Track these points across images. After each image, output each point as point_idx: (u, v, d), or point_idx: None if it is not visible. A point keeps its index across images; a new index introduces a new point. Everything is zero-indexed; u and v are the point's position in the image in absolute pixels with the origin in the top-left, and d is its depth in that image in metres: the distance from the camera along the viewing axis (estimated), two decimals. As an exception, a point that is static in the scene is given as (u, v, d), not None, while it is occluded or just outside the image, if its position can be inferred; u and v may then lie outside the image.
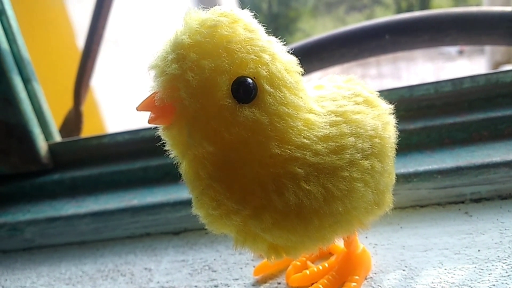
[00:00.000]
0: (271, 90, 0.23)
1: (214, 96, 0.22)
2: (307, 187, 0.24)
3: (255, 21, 0.25)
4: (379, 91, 0.37)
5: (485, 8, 0.60)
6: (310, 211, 0.24)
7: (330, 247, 0.35)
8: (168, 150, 0.26)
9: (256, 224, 0.25)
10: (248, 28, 0.24)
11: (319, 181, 0.24)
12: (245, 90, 0.23)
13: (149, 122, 0.24)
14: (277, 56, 0.24)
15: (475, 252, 0.32)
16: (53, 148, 0.54)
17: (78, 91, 0.60)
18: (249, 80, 0.23)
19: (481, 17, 0.59)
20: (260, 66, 0.23)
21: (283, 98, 0.24)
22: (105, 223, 0.46)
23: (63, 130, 0.64)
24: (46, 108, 0.54)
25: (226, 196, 0.24)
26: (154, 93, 0.23)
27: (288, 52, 0.26)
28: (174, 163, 0.26)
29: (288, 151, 0.24)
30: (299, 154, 0.24)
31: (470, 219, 0.36)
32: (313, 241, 0.26)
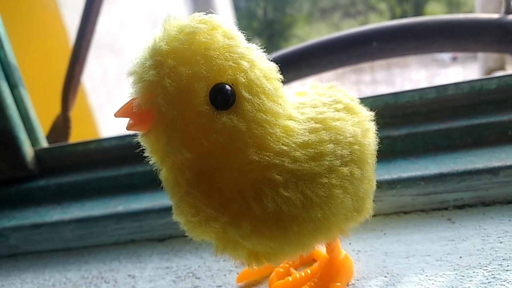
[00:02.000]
0: (249, 97, 0.23)
1: (191, 103, 0.22)
2: (286, 194, 0.24)
3: (235, 28, 0.25)
4: (364, 98, 0.38)
5: (472, 15, 0.60)
6: (289, 218, 0.24)
7: (313, 254, 0.35)
8: (147, 156, 0.26)
9: (235, 231, 0.25)
10: (227, 35, 0.24)
11: (298, 188, 0.24)
12: (223, 97, 0.23)
13: (127, 128, 0.24)
14: (256, 63, 0.24)
15: (457, 258, 0.32)
16: (39, 154, 0.53)
17: (66, 96, 0.59)
18: (227, 87, 0.23)
19: (468, 24, 0.59)
20: (238, 73, 0.23)
21: (262, 105, 0.24)
22: (90, 230, 0.46)
23: (51, 136, 0.64)
24: (33, 113, 0.54)
25: (204, 202, 0.24)
26: (132, 99, 0.23)
27: (270, 59, 0.26)
28: (155, 169, 0.26)
29: (267, 157, 0.24)
30: (277, 161, 0.24)
31: (453, 226, 0.36)
32: (292, 247, 0.26)
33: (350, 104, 0.29)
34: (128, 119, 0.24)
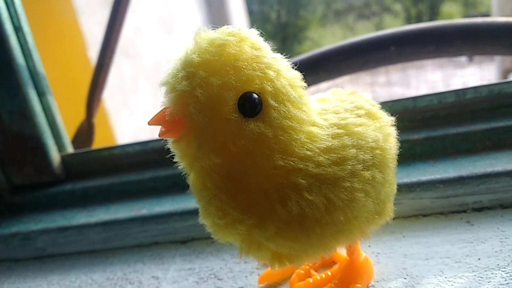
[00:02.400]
0: (276, 104, 0.25)
1: (221, 111, 0.24)
2: (310, 197, 0.25)
3: (261, 39, 0.26)
4: (383, 102, 0.38)
5: (489, 19, 0.61)
6: (312, 221, 0.25)
7: (333, 256, 0.36)
8: (176, 162, 0.27)
9: (260, 233, 0.26)
10: (254, 46, 0.25)
11: (321, 192, 0.25)
12: (251, 105, 0.24)
13: (159, 135, 0.25)
14: (281, 72, 0.25)
15: (475, 260, 0.33)
16: (66, 159, 0.55)
17: (91, 103, 0.61)
18: (255, 96, 0.24)
19: (486, 28, 0.59)
20: (265, 82, 0.24)
21: (287, 112, 0.25)
22: (115, 232, 0.47)
23: (75, 142, 0.66)
24: (59, 120, 0.56)
25: (231, 206, 0.26)
26: (164, 108, 0.25)
27: (293, 66, 0.27)
28: (182, 173, 0.28)
29: (292, 162, 0.25)
30: (302, 166, 0.25)
31: (472, 228, 0.37)
32: (315, 249, 0.27)
33: (371, 110, 0.30)
34: (160, 126, 0.25)
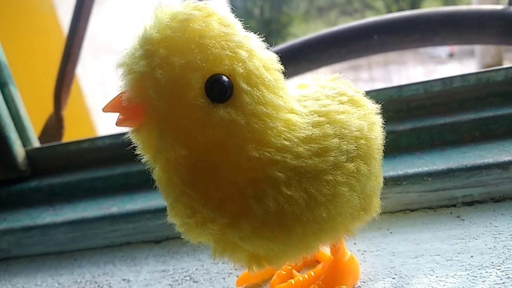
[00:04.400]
0: (248, 88, 0.22)
1: (185, 95, 0.21)
2: (288, 192, 0.22)
3: (232, 15, 0.23)
4: (368, 92, 0.36)
5: (475, 6, 0.59)
6: (292, 218, 0.23)
7: (316, 255, 0.34)
8: (139, 154, 0.24)
9: (234, 233, 0.23)
10: (223, 22, 0.22)
11: (301, 186, 0.23)
12: (220, 89, 0.21)
13: (116, 124, 0.22)
14: (254, 52, 0.22)
15: (468, 258, 0.31)
16: (31, 154, 0.52)
17: (58, 95, 0.58)
18: (224, 78, 0.21)
19: (471, 15, 0.58)
20: (236, 63, 0.21)
21: (261, 97, 0.22)
22: (83, 232, 0.44)
23: (43, 136, 0.62)
24: (23, 112, 0.52)
25: (201, 203, 0.23)
26: (121, 92, 0.22)
27: (271, 51, 0.24)
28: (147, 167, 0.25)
29: (267, 154, 0.22)
30: (279, 157, 0.22)
31: (463, 223, 0.35)
32: (296, 249, 0.25)
33: (355, 97, 0.27)
34: (118, 114, 0.22)
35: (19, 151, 0.51)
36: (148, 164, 0.24)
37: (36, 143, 0.53)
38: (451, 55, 4.58)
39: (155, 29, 0.21)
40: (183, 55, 0.21)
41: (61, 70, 0.56)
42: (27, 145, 0.52)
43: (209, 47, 0.21)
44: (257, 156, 0.22)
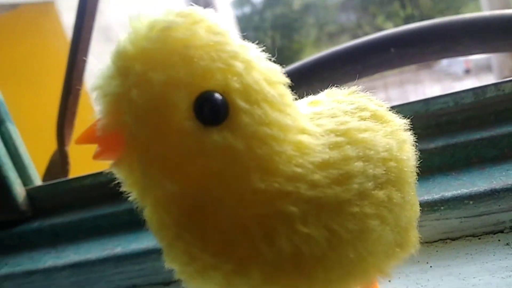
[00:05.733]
0: (247, 106, 0.18)
1: (169, 119, 0.17)
2: (305, 230, 0.18)
3: (224, 21, 0.19)
4: (390, 108, 0.32)
5: (499, 11, 0.55)
6: (312, 261, 0.19)
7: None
8: (125, 191, 0.20)
9: (243, 282, 0.19)
10: (212, 30, 0.18)
11: (320, 222, 0.18)
12: (212, 109, 0.17)
13: (93, 158, 0.18)
14: (253, 63, 0.19)
15: (527, 295, 0.26)
16: (32, 194, 0.49)
17: (61, 130, 0.55)
18: (217, 95, 0.17)
19: (495, 21, 0.53)
20: (230, 76, 0.18)
21: (264, 116, 0.18)
22: (87, 275, 0.40)
23: (48, 174, 0.60)
24: (23, 150, 0.49)
25: (199, 247, 0.19)
26: (96, 120, 0.18)
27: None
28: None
29: (276, 184, 0.18)
30: (291, 188, 0.18)
31: (514, 252, 0.30)
32: (319, 299, 0.20)
33: (378, 111, 0.23)
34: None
35: (19, 191, 0.48)
36: (136, 203, 0.21)
37: (38, 182, 0.50)
38: (467, 71, 4.52)
39: (130, 41, 0.17)
40: (163, 71, 0.17)
41: (62, 105, 0.53)
42: (28, 184, 0.49)
43: (196, 60, 0.17)
44: (264, 187, 0.18)
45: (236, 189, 0.18)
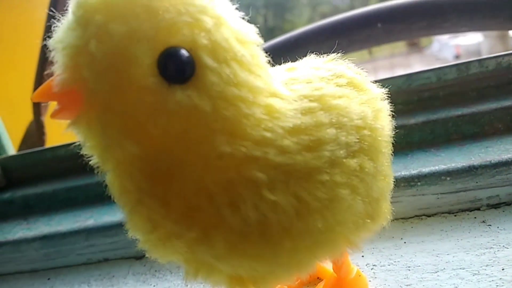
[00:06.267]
0: (215, 65, 0.17)
1: (130, 74, 0.16)
2: (272, 198, 0.17)
3: None
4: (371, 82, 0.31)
5: (488, -11, 0.54)
6: (279, 230, 0.18)
7: (317, 271, 0.28)
8: (84, 154, 0.19)
9: (206, 250, 0.18)
10: None
11: (288, 189, 0.18)
12: (177, 65, 0.16)
13: (51, 116, 0.17)
14: (223, 20, 0.18)
15: (499, 271, 0.26)
16: (5, 163, 0.47)
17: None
18: (183, 52, 0.16)
19: (484, -1, 0.53)
20: (198, 32, 0.17)
21: (233, 76, 0.17)
22: (57, 248, 0.39)
23: (25, 145, 0.58)
24: (-4, 118, 0.48)
25: (162, 214, 0.18)
26: (54, 75, 0.17)
27: (268, 50, 0.20)
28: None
29: (243, 148, 0.17)
30: (258, 153, 0.17)
31: (489, 229, 0.30)
32: (285, 268, 0.20)
33: (355, 79, 0.22)
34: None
35: (-9, 160, 0.47)
36: (98, 168, 0.20)
37: (11, 151, 0.49)
38: (457, 57, 4.54)
39: None
40: (125, 22, 0.16)
41: (39, 74, 0.52)
42: (1, 154, 0.48)
43: (161, 12, 0.16)
44: (230, 151, 0.17)
45: (200, 152, 0.17)
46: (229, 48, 0.17)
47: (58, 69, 0.17)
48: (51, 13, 0.48)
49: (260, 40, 0.19)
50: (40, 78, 0.52)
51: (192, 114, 0.17)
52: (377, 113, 0.21)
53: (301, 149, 0.18)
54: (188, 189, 0.18)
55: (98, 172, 0.33)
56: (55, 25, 0.18)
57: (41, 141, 0.57)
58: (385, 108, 0.23)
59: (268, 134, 0.18)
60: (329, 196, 0.18)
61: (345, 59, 0.24)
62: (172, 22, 0.16)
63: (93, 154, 0.19)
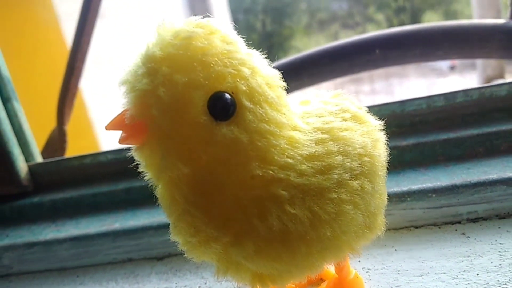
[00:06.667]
0: (251, 106, 0.22)
1: (188, 113, 0.21)
2: (292, 211, 0.22)
3: (234, 32, 0.23)
4: (370, 107, 0.36)
5: (477, 21, 0.59)
6: (296, 237, 0.23)
7: (321, 273, 0.33)
8: (142, 172, 0.24)
9: (238, 252, 0.23)
10: (226, 40, 0.22)
11: (305, 204, 0.22)
12: (223, 106, 0.21)
13: (119, 142, 0.22)
14: (257, 69, 0.23)
15: (474, 276, 0.30)
16: (34, 170, 0.52)
17: (62, 109, 0.58)
18: (227, 96, 0.21)
19: (473, 30, 0.58)
20: (238, 80, 0.22)
21: (264, 115, 0.22)
22: (86, 249, 0.43)
23: (46, 151, 0.62)
24: (27, 127, 0.52)
25: (204, 222, 0.23)
26: (124, 110, 0.22)
27: (274, 67, 0.24)
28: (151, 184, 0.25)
29: (271, 171, 0.22)
30: (282, 175, 0.22)
31: (468, 241, 0.34)
32: (300, 269, 0.24)
33: (358, 113, 0.27)
34: (120, 132, 0.22)
35: (22, 166, 0.51)
36: (151, 182, 0.24)
37: (39, 158, 0.53)
38: (452, 68, 4.61)
39: (158, 47, 0.21)
40: (186, 73, 0.21)
41: (65, 84, 0.56)
42: (30, 160, 0.52)
43: (212, 65, 0.21)
44: (261, 174, 0.22)
45: (238, 174, 0.22)
46: (262, 92, 0.22)
47: (127, 105, 0.22)
48: (79, 28, 0.53)
49: (284, 84, 0.24)
50: (66, 89, 0.56)
51: (233, 145, 0.21)
52: (375, 143, 0.26)
53: (315, 173, 0.23)
54: (226, 203, 0.22)
55: (122, 180, 0.37)
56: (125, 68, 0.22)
57: (62, 149, 0.62)
58: (382, 138, 0.27)
59: (290, 161, 0.23)
60: (336, 210, 0.23)
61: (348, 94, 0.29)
62: (220, 73, 0.21)
63: (148, 171, 0.24)
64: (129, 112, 0.21)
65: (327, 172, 0.23)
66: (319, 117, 0.26)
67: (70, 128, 0.63)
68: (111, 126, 0.22)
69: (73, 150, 0.65)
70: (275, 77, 0.24)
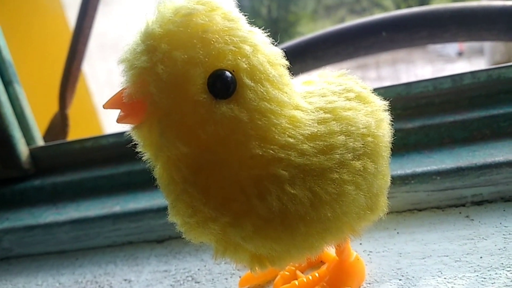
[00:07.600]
0: (252, 84, 0.21)
1: (187, 91, 0.20)
2: (292, 191, 0.22)
3: (236, 9, 0.22)
4: (376, 89, 0.35)
5: (485, 2, 0.58)
6: (296, 218, 0.22)
7: (321, 255, 0.33)
8: (140, 152, 0.23)
9: (236, 233, 0.23)
10: (227, 17, 0.21)
11: (305, 184, 0.22)
12: (223, 84, 0.21)
13: (117, 121, 0.22)
14: (259, 47, 0.22)
15: (477, 259, 0.30)
16: (35, 153, 0.51)
17: (64, 93, 0.57)
18: (227, 73, 0.21)
19: (481, 11, 0.57)
20: (239, 58, 0.21)
21: (265, 93, 0.22)
22: (85, 231, 0.43)
23: (48, 135, 0.62)
24: (28, 111, 0.52)
25: (202, 201, 0.22)
26: (122, 88, 0.21)
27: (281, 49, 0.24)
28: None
29: (271, 151, 0.22)
30: (283, 155, 0.22)
31: (472, 223, 0.34)
32: (299, 250, 0.24)
33: (362, 93, 0.26)
34: (119, 110, 0.21)
35: (23, 149, 0.51)
36: (149, 162, 0.24)
37: (40, 142, 0.53)
38: (460, 54, 4.55)
39: (157, 24, 0.20)
40: (185, 50, 0.20)
41: (67, 69, 0.56)
42: (31, 144, 0.52)
43: (212, 42, 0.20)
44: (261, 153, 0.21)
45: (237, 153, 0.21)
46: (263, 70, 0.22)
47: (126, 84, 0.21)
48: (81, 12, 0.52)
49: (286, 62, 0.24)
50: (68, 73, 0.56)
51: (233, 123, 0.21)
52: (379, 123, 0.25)
53: (317, 152, 0.22)
54: (225, 182, 0.22)
55: (123, 163, 0.36)
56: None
57: (64, 133, 0.61)
58: (386, 118, 0.27)
59: (291, 140, 0.22)
60: (338, 191, 0.23)
61: (354, 67, 0.28)
62: (221, 50, 0.21)
63: (146, 151, 0.23)
64: (127, 90, 0.21)
65: (329, 152, 0.23)
66: (322, 96, 0.25)
67: (74, 113, 0.63)
68: (109, 105, 0.21)
69: (76, 135, 0.65)
70: (278, 55, 0.23)
